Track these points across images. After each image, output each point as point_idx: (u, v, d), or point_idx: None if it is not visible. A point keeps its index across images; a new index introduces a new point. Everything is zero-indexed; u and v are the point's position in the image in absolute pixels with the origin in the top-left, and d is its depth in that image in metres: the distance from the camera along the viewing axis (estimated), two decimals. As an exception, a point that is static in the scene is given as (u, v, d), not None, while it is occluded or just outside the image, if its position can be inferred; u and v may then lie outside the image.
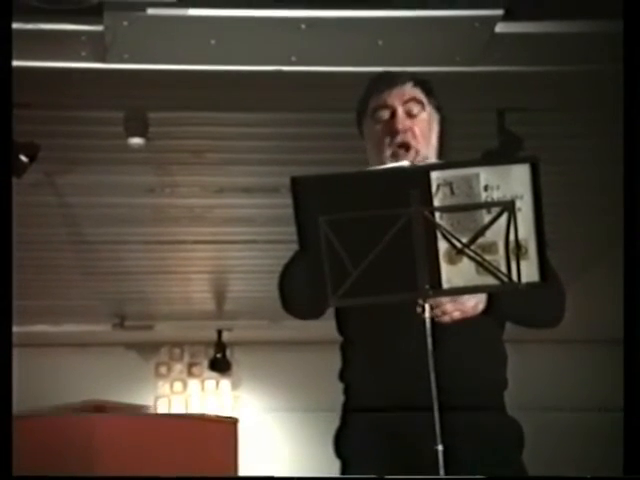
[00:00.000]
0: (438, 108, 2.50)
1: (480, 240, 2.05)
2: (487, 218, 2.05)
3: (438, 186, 2.04)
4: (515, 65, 4.17)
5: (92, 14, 3.73)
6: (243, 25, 3.84)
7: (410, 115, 2.43)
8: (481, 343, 2.39)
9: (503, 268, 2.05)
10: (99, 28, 3.81)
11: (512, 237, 2.04)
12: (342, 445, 2.45)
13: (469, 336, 2.33)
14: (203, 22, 3.80)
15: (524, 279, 2.05)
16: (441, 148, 2.49)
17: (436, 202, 2.04)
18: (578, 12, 3.90)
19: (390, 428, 2.31)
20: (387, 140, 2.41)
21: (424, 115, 2.45)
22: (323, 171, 2.10)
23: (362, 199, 2.05)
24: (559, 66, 4.18)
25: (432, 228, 2.04)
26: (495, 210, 2.04)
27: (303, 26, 3.83)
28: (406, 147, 2.40)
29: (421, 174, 2.04)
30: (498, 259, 2.06)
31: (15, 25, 3.41)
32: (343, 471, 2.43)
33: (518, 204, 2.03)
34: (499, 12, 3.81)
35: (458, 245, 2.05)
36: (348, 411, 2.45)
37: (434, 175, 2.03)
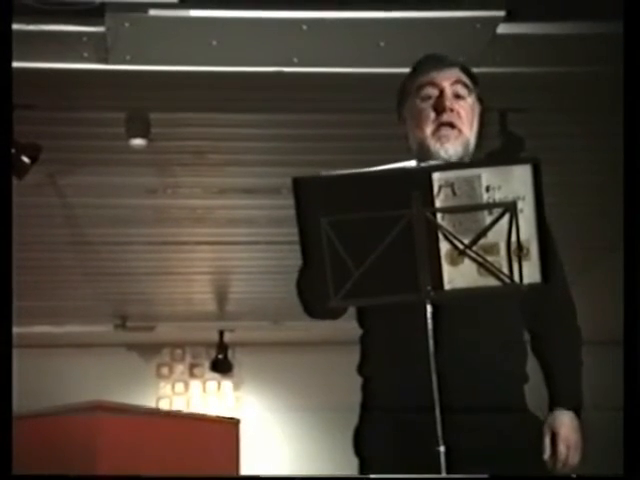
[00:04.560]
0: (480, 100, 2.47)
1: (482, 241, 2.05)
2: (489, 219, 2.04)
3: (440, 187, 2.04)
4: (517, 66, 4.17)
5: (94, 15, 3.74)
6: (244, 26, 3.84)
7: (457, 96, 2.39)
8: (496, 336, 2.33)
9: (505, 269, 2.05)
10: (101, 29, 3.82)
11: (514, 238, 2.04)
12: (361, 444, 2.37)
13: (483, 329, 2.30)
14: (204, 23, 3.81)
15: (526, 280, 2.05)
16: (479, 139, 2.45)
17: (438, 203, 2.04)
18: (579, 13, 3.90)
19: (409, 425, 2.24)
20: (432, 117, 2.37)
21: (470, 100, 2.42)
22: (325, 172, 2.10)
23: (364, 200, 2.04)
24: (561, 67, 4.19)
25: (434, 229, 2.04)
26: (497, 211, 2.03)
27: (305, 27, 3.84)
28: (451, 126, 2.37)
29: (423, 175, 2.04)
30: (500, 260, 2.05)
31: (17, 26, 3.43)
32: (361, 472, 2.35)
33: (520, 205, 2.02)
34: (501, 13, 3.82)
35: (460, 246, 2.05)
36: (366, 408, 2.39)
37: (436, 176, 2.03)
